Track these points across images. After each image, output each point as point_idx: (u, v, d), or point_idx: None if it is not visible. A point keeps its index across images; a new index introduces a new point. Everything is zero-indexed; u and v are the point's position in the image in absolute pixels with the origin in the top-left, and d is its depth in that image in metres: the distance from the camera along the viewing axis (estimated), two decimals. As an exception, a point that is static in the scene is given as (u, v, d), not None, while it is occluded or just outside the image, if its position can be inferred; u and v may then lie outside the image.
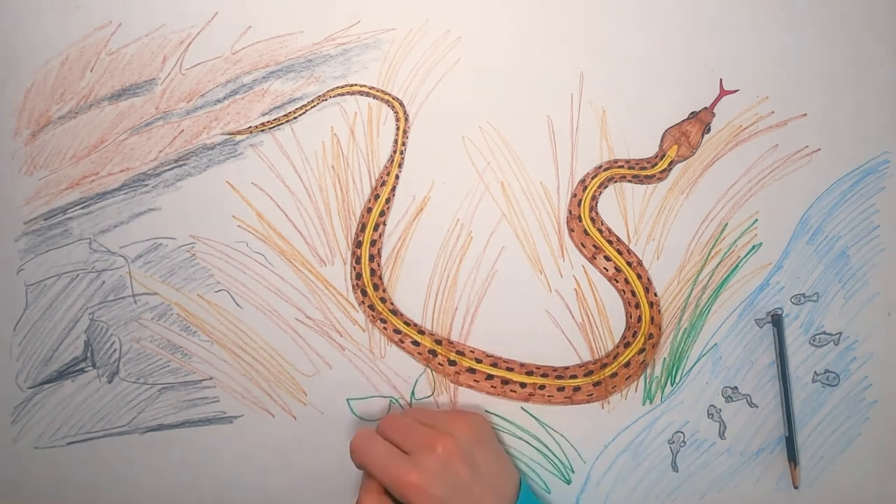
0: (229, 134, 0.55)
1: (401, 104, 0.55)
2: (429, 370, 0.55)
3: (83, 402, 0.56)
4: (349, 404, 0.55)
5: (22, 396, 0.56)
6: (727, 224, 0.54)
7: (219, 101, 0.55)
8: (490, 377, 0.54)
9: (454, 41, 0.54)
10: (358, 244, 0.55)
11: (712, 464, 0.54)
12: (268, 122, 0.55)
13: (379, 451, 0.47)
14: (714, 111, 0.53)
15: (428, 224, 0.55)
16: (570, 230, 0.54)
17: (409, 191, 0.55)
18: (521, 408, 0.54)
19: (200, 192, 0.55)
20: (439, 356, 0.55)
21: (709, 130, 0.54)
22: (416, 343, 0.55)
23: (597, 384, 0.54)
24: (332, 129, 0.55)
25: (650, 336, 0.54)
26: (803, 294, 0.53)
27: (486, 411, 0.55)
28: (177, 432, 0.56)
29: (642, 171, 0.54)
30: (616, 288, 0.54)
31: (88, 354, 0.56)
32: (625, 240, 0.54)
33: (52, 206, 0.56)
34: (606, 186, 0.54)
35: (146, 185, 0.56)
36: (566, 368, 0.54)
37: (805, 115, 0.53)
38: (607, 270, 0.54)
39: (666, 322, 0.54)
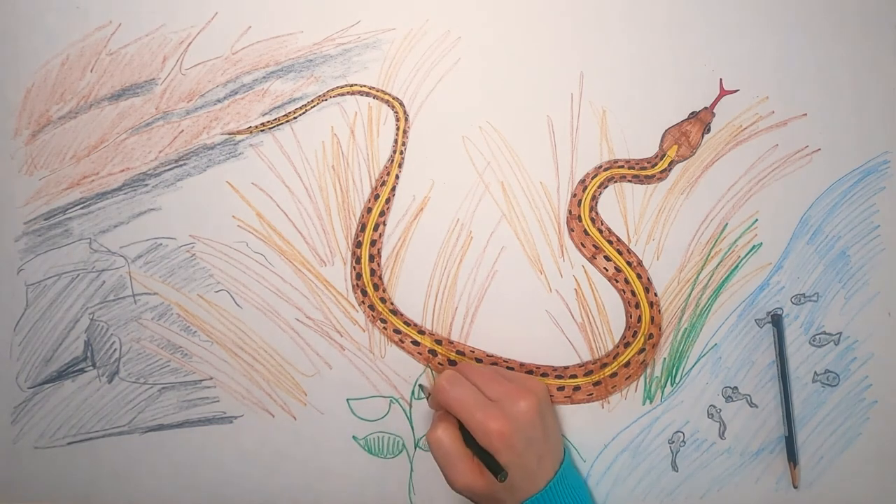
0: (229, 134, 0.55)
1: (401, 104, 0.55)
2: (429, 370, 0.55)
3: (83, 402, 0.56)
4: (349, 404, 0.55)
5: (22, 396, 0.56)
6: (727, 224, 0.54)
7: (219, 101, 0.56)
8: (490, 377, 0.54)
9: (454, 41, 0.54)
10: (358, 244, 0.55)
11: (712, 464, 0.54)
12: (268, 122, 0.55)
13: (466, 393, 0.48)
14: (714, 111, 0.53)
15: (428, 224, 0.55)
16: (570, 230, 0.54)
17: (409, 191, 0.55)
18: (521, 408, 0.54)
19: (200, 192, 0.55)
20: (439, 356, 0.55)
21: (709, 130, 0.54)
22: (416, 343, 0.55)
23: (597, 384, 0.54)
24: (332, 129, 0.55)
25: (650, 336, 0.54)
26: (803, 294, 0.53)
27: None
28: (177, 432, 0.56)
29: (642, 171, 0.54)
30: (616, 288, 0.54)
31: (88, 354, 0.56)
32: (625, 240, 0.54)
33: (52, 206, 0.56)
34: (606, 186, 0.54)
35: (146, 185, 0.56)
36: (566, 368, 0.54)
37: (805, 115, 0.53)
38: (607, 270, 0.54)
39: (666, 322, 0.54)
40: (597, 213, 0.54)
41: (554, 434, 0.51)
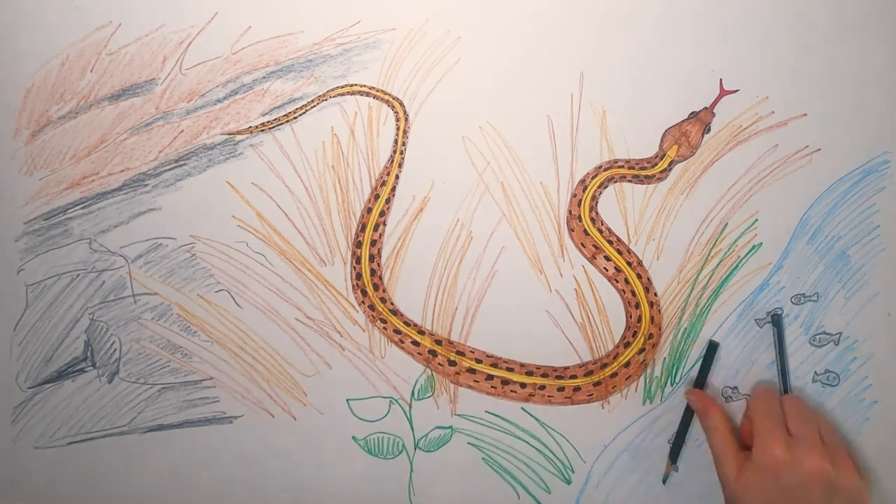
0: (229, 134, 0.55)
1: (401, 104, 0.55)
2: (429, 370, 0.55)
3: (83, 402, 0.56)
4: (349, 404, 0.55)
5: (22, 396, 0.56)
6: (727, 224, 0.54)
7: (219, 101, 0.55)
8: (490, 377, 0.54)
9: (454, 41, 0.54)
10: (358, 244, 0.55)
11: (712, 464, 0.54)
12: (268, 122, 0.55)
13: (776, 412, 0.49)
14: (714, 111, 0.53)
15: (428, 224, 0.55)
16: (570, 230, 0.54)
17: (409, 191, 0.55)
18: (522, 408, 0.54)
19: (200, 192, 0.55)
20: (439, 356, 0.55)
21: (709, 130, 0.54)
22: (416, 343, 0.55)
23: (597, 384, 0.54)
24: (332, 129, 0.55)
25: (650, 336, 0.54)
26: (803, 294, 0.53)
27: (487, 411, 0.55)
28: (177, 432, 0.56)
29: (642, 171, 0.54)
30: (616, 288, 0.54)
31: (88, 354, 0.56)
32: (625, 240, 0.54)
33: (52, 206, 0.56)
34: (606, 186, 0.54)
35: (146, 185, 0.56)
36: (566, 368, 0.54)
37: (805, 115, 0.53)
38: (607, 270, 0.54)
39: (666, 322, 0.54)
40: (597, 213, 0.54)
41: None
